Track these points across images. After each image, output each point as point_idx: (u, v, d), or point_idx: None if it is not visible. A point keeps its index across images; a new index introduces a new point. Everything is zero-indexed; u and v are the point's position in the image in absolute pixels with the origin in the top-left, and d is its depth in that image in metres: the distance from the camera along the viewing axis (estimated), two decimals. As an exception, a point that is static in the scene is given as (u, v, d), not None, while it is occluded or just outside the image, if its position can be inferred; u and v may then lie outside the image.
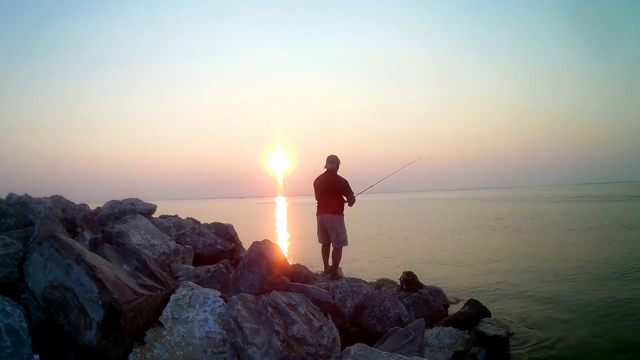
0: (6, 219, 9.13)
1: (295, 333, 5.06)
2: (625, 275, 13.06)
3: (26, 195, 10.50)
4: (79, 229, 9.22)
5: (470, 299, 9.16)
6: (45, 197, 10.81)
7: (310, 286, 6.50)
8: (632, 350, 7.58)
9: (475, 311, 8.55)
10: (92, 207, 13.55)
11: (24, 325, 4.08)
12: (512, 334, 8.03)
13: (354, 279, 9.30)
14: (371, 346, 4.65)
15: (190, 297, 5.59)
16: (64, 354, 4.79)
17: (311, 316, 5.52)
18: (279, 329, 4.99)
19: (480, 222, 34.89)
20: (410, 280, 9.44)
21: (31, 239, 7.06)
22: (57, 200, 10.80)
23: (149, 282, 5.57)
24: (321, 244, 9.97)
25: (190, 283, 5.98)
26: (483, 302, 9.15)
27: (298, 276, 8.32)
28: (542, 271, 14.20)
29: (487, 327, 7.49)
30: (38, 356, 4.00)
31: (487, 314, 8.65)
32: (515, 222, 33.02)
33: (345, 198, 9.55)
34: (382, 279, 11.01)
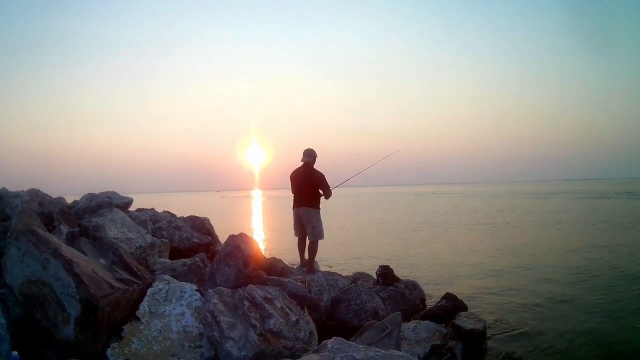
0: (-17, 214, 9.09)
1: (271, 327, 5.09)
2: (599, 267, 13.27)
3: (3, 189, 10.41)
4: (55, 223, 9.17)
5: (447, 292, 9.23)
6: (22, 191, 10.72)
7: (286, 280, 6.52)
8: (607, 341, 7.70)
9: (452, 305, 8.62)
10: (69, 200, 13.45)
11: (2, 321, 4.08)
12: (489, 327, 8.11)
13: (330, 273, 9.32)
14: (348, 340, 4.68)
15: (166, 291, 5.61)
16: (42, 349, 4.78)
17: (288, 310, 5.54)
18: (256, 323, 5.01)
19: (457, 216, 35.17)
20: (386, 274, 9.48)
21: (8, 233, 7.02)
22: (34, 193, 10.72)
23: (126, 276, 5.57)
24: (297, 238, 9.97)
25: (167, 277, 5.99)
26: (460, 295, 9.23)
27: (274, 270, 8.33)
28: (517, 265, 14.35)
29: (464, 321, 7.55)
30: (17, 352, 3.98)
31: (464, 307, 8.73)
32: (490, 216, 33.30)
33: (321, 192, 9.56)
34: (359, 273, 11.02)
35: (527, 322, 8.71)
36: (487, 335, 7.69)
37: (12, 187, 10.70)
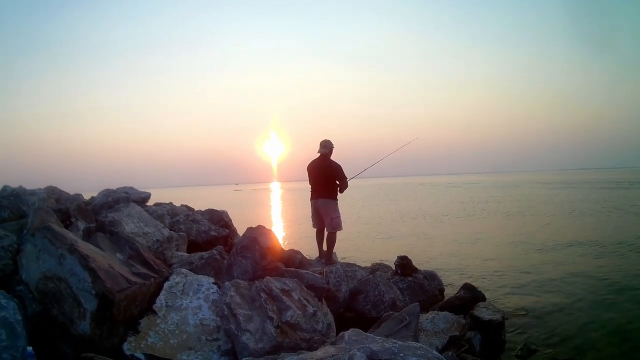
0: (0, 212, 9.11)
1: (289, 319, 5.07)
2: (621, 258, 13.06)
3: (20, 187, 10.44)
4: (73, 219, 9.20)
5: (465, 283, 9.17)
6: (39, 189, 10.75)
7: (304, 271, 6.48)
8: (627, 333, 7.58)
9: (471, 295, 8.56)
10: (87, 196, 13.48)
11: (19, 317, 4.07)
12: (507, 318, 8.04)
13: (348, 264, 9.29)
14: (366, 331, 4.65)
15: (183, 285, 5.60)
16: (59, 345, 4.79)
17: (305, 302, 5.52)
18: (273, 315, 4.99)
19: (475, 207, 34.94)
20: (404, 265, 9.44)
21: (25, 231, 7.04)
22: (51, 191, 10.75)
23: (143, 270, 5.57)
24: (315, 229, 9.94)
25: (184, 270, 5.98)
26: (478, 286, 9.15)
27: (292, 261, 8.31)
28: (537, 255, 14.22)
29: (482, 312, 7.50)
30: (31, 348, 3.99)
31: (482, 298, 8.66)
32: (509, 207, 33.07)
33: (338, 183, 9.51)
34: (377, 264, 10.98)
35: (546, 313, 8.61)
36: (506, 326, 7.63)
37: (30, 185, 10.74)
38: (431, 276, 9.88)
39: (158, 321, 5.03)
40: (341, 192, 9.56)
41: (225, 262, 7.03)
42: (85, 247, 5.28)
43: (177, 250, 8.83)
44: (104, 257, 5.33)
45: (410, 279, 9.16)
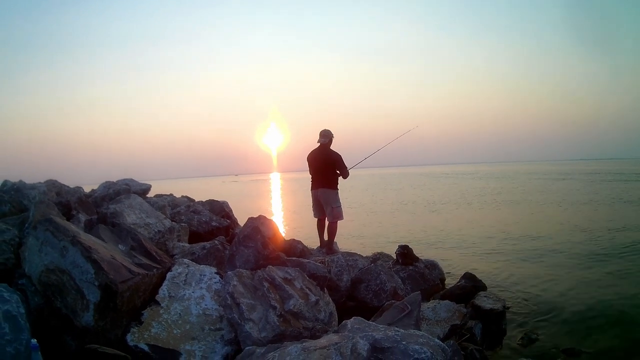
0: (1, 206, 9.12)
1: (291, 308, 5.07)
2: (622, 248, 13.04)
3: (21, 181, 10.44)
4: (74, 212, 9.19)
5: (466, 272, 9.18)
6: (39, 182, 10.75)
7: (306, 260, 6.49)
8: (625, 321, 7.60)
9: (472, 285, 8.58)
10: (87, 189, 13.47)
11: (22, 310, 4.09)
12: (508, 307, 8.05)
13: (349, 253, 9.28)
14: (368, 320, 4.66)
15: (186, 275, 5.61)
16: (62, 337, 4.80)
17: (307, 290, 5.53)
18: (276, 304, 5.00)
19: (474, 197, 34.92)
20: (406, 254, 9.44)
21: (27, 224, 7.04)
22: (52, 184, 10.74)
23: (145, 261, 5.59)
24: (316, 219, 9.91)
25: (186, 260, 5.99)
26: (479, 275, 9.16)
27: (294, 251, 8.30)
28: (537, 245, 14.21)
29: (483, 301, 7.51)
30: (35, 340, 4.00)
31: (483, 287, 8.68)
32: (508, 198, 33.04)
33: (339, 172, 9.48)
34: (378, 253, 10.95)
35: (547, 302, 8.62)
36: (507, 316, 7.64)
37: (30, 180, 10.74)
38: (432, 265, 9.90)
39: (161, 312, 5.05)
40: (344, 178, 9.53)
41: (227, 252, 7.04)
42: (87, 238, 5.30)
43: (178, 241, 8.84)
44: (106, 249, 5.34)
45: (411, 268, 9.17)
